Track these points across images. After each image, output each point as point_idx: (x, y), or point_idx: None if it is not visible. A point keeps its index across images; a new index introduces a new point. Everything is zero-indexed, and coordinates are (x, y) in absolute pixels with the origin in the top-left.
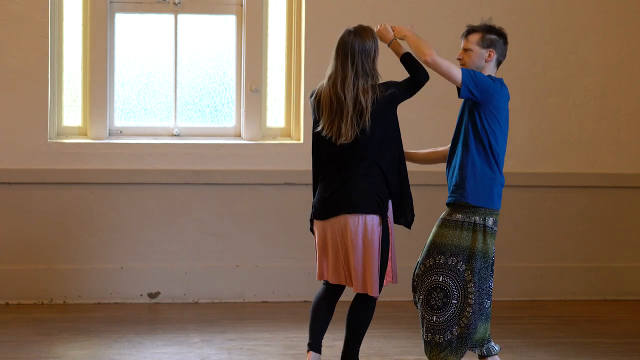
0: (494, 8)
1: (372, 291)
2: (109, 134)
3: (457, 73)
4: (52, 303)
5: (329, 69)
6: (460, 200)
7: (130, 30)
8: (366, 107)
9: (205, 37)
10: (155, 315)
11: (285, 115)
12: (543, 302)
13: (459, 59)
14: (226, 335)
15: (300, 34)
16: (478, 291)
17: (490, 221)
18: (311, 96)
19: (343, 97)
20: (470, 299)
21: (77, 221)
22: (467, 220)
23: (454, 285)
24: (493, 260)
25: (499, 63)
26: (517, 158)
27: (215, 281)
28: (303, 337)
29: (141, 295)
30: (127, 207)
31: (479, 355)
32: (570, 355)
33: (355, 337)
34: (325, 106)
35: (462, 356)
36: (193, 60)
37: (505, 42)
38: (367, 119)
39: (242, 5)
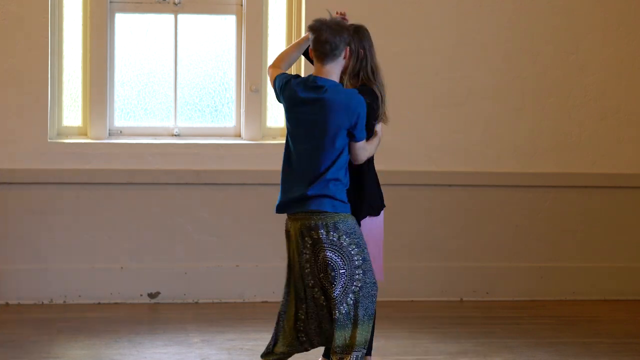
0: (494, 8)
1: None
2: (109, 134)
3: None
4: (52, 303)
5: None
6: None
7: (130, 30)
8: None
9: (205, 37)
10: (155, 315)
11: None
12: (543, 302)
13: None
14: (226, 335)
15: (300, 34)
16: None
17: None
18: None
19: None
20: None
21: (77, 221)
22: None
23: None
24: (296, 264)
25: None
26: (517, 158)
27: (215, 281)
28: None
29: (141, 295)
30: (127, 207)
31: None
32: (570, 355)
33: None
34: None
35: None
36: (193, 60)
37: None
38: None
39: (242, 5)
